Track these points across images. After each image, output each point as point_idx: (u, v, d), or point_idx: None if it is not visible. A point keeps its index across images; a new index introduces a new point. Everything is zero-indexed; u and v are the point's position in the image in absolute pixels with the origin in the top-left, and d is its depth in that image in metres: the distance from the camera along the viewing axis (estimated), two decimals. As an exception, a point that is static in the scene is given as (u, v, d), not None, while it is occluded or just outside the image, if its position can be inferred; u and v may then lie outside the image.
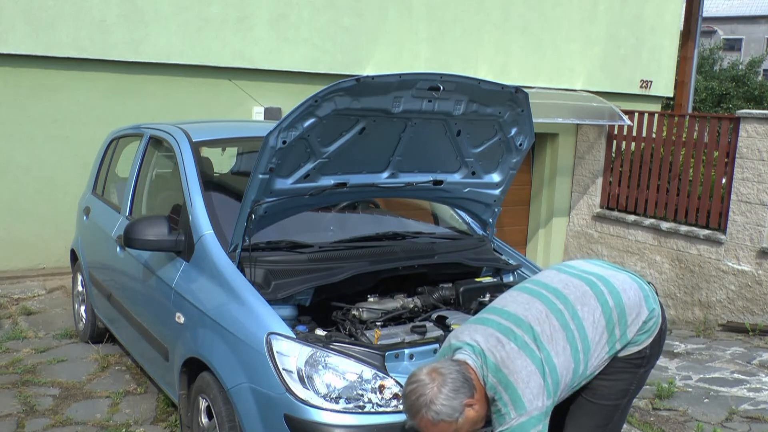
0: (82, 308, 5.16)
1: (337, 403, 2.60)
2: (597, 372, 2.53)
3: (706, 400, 4.46)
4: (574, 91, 9.15)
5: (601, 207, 8.81)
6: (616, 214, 8.44)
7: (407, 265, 3.34)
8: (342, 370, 2.65)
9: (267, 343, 2.70)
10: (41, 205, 6.40)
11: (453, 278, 3.48)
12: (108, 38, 6.39)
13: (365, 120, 2.92)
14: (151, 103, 6.60)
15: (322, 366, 2.65)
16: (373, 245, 3.45)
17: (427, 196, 3.73)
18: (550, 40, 9.01)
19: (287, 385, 2.62)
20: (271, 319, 2.78)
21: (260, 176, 2.88)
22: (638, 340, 2.58)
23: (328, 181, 3.15)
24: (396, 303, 3.24)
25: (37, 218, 6.39)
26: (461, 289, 3.40)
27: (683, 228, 7.48)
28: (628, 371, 2.60)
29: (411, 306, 3.27)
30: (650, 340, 2.59)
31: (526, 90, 3.16)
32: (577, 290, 2.56)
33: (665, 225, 7.66)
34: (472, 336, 2.44)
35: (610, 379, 2.59)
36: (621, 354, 2.57)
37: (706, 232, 7.25)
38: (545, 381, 2.33)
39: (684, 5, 10.30)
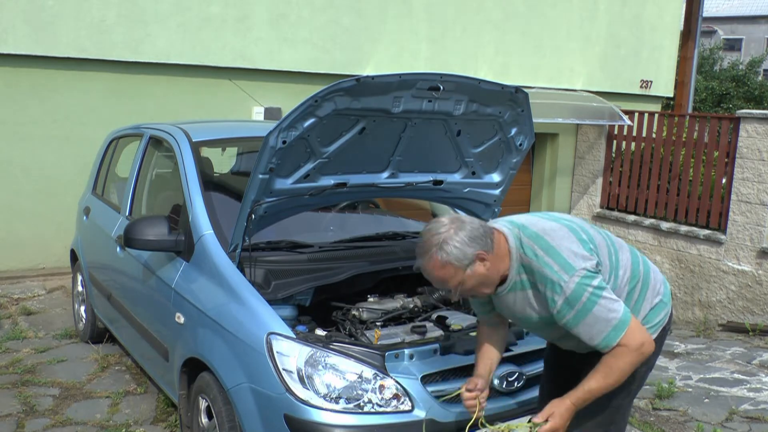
0: (82, 308, 5.16)
1: (337, 403, 2.60)
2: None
3: (707, 400, 4.46)
4: (574, 91, 9.15)
5: (601, 207, 8.81)
6: (616, 214, 8.44)
7: (407, 265, 3.34)
8: (342, 370, 2.65)
9: (267, 343, 2.70)
10: (41, 205, 6.40)
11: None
12: (108, 38, 6.39)
13: (365, 120, 2.92)
14: (150, 103, 6.60)
15: (322, 366, 2.65)
16: (373, 245, 3.45)
17: (427, 196, 3.73)
18: (550, 40, 9.00)
19: (287, 385, 2.62)
20: (271, 319, 2.78)
21: (260, 176, 2.88)
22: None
23: (328, 181, 3.15)
24: (396, 303, 3.24)
25: (37, 218, 6.39)
26: (461, 289, 3.40)
27: (683, 228, 7.48)
28: None
29: (411, 306, 3.27)
30: (655, 335, 2.54)
31: (526, 90, 3.16)
32: (616, 239, 2.53)
33: (665, 225, 7.66)
34: (509, 218, 2.45)
35: None
36: None
37: (706, 232, 7.25)
38: (590, 250, 2.27)
39: (684, 5, 10.30)
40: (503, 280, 2.36)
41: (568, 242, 2.26)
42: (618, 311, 2.21)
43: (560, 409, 2.30)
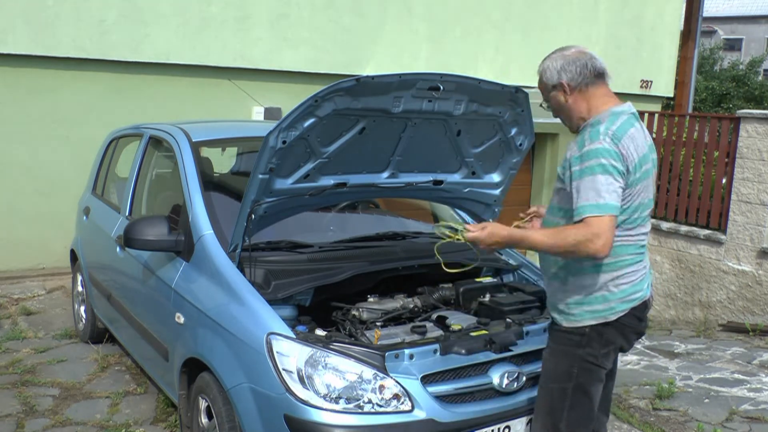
0: (82, 308, 5.16)
1: (337, 403, 2.60)
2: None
3: (707, 400, 4.46)
4: (575, 91, 9.14)
5: (602, 207, 8.78)
6: (616, 214, 8.42)
7: (407, 265, 3.33)
8: (342, 370, 2.65)
9: (267, 343, 2.70)
10: (41, 205, 6.40)
11: (453, 278, 3.47)
12: (108, 38, 6.39)
13: (365, 120, 2.92)
14: (150, 103, 6.60)
15: (322, 366, 2.64)
16: (373, 245, 3.45)
17: (427, 196, 3.73)
18: (550, 40, 8.99)
19: (287, 385, 2.62)
20: (271, 319, 2.78)
21: (260, 176, 2.88)
22: (581, 316, 2.53)
23: (328, 181, 3.15)
24: (396, 303, 3.23)
25: (37, 218, 6.39)
26: (461, 289, 3.40)
27: (683, 228, 7.48)
28: (567, 348, 2.56)
29: (411, 306, 3.27)
30: (594, 322, 2.51)
31: (526, 90, 3.16)
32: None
33: (665, 225, 7.66)
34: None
35: (552, 355, 2.62)
36: (564, 324, 2.57)
37: (707, 232, 7.25)
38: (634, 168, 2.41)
39: (684, 5, 10.30)
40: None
41: (630, 139, 2.41)
42: (608, 199, 2.32)
43: (496, 228, 2.53)
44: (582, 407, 2.59)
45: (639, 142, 2.47)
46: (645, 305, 2.59)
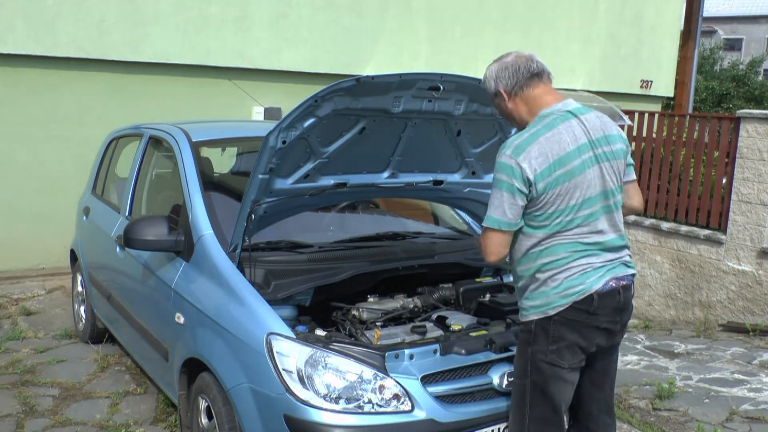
0: (82, 308, 5.15)
1: (337, 403, 2.60)
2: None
3: (707, 400, 4.46)
4: (575, 91, 9.14)
5: (602, 207, 8.78)
6: (616, 214, 8.41)
7: (407, 265, 3.33)
8: (342, 370, 2.65)
9: (267, 343, 2.70)
10: (41, 205, 6.40)
11: (453, 278, 3.47)
12: (107, 38, 6.39)
13: (365, 120, 2.92)
14: (150, 103, 6.60)
15: (322, 366, 2.64)
16: (373, 245, 3.45)
17: (427, 196, 3.73)
18: (550, 39, 9.01)
19: (287, 385, 2.61)
20: (270, 319, 2.77)
21: (260, 176, 2.88)
22: (527, 311, 2.57)
23: (328, 181, 3.15)
24: (396, 303, 3.23)
25: (37, 218, 6.39)
26: (461, 289, 3.40)
27: (683, 228, 7.47)
28: (522, 345, 2.61)
29: (411, 306, 3.26)
30: (536, 317, 2.53)
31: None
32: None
33: (665, 225, 7.65)
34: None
35: (516, 352, 2.66)
36: (520, 321, 2.63)
37: (707, 232, 7.24)
38: (544, 171, 2.46)
39: (684, 5, 10.30)
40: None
41: (538, 147, 2.46)
42: (496, 214, 2.48)
43: None
44: (541, 407, 2.57)
45: (562, 142, 2.47)
46: (591, 298, 2.49)
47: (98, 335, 4.98)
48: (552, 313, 2.51)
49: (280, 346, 2.68)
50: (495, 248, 2.53)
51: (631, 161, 2.74)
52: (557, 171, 2.44)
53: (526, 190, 2.45)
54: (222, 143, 4.38)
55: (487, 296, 3.37)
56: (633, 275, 2.64)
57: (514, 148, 2.46)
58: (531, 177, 2.42)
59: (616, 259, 2.59)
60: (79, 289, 5.19)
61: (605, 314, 2.54)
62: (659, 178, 7.91)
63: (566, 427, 2.72)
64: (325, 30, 7.44)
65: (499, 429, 2.80)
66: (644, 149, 8.13)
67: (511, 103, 2.62)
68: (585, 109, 2.62)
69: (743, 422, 4.14)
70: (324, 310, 3.16)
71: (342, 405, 2.59)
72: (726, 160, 7.15)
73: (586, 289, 2.50)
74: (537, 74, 2.59)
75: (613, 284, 2.54)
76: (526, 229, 2.53)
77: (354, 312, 3.10)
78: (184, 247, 3.36)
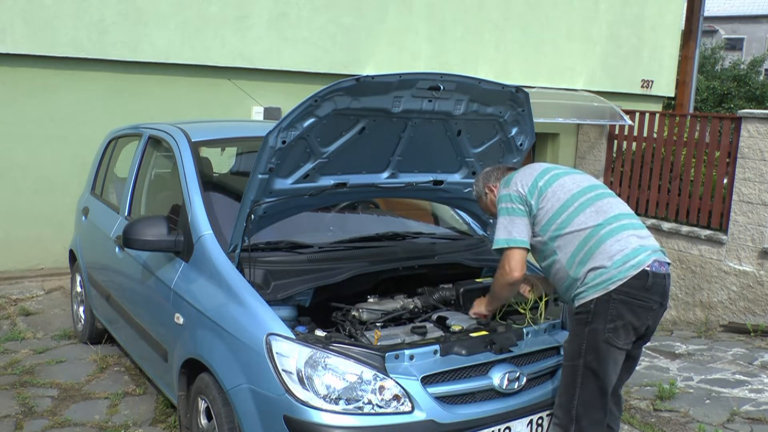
0: (81, 309, 5.14)
1: (336, 404, 2.59)
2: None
3: (708, 401, 4.45)
4: (575, 90, 9.13)
5: (602, 207, 8.76)
6: (616, 214, 8.40)
7: (407, 265, 3.32)
8: (342, 371, 2.64)
9: (266, 344, 2.69)
10: (40, 205, 6.39)
11: (453, 279, 3.46)
12: (107, 37, 6.38)
13: (365, 120, 2.91)
14: (150, 103, 6.59)
15: (322, 367, 2.63)
16: (373, 246, 3.44)
17: (427, 196, 3.72)
18: (550, 39, 8.99)
19: (287, 386, 2.60)
20: (270, 319, 2.76)
21: (260, 176, 2.87)
22: (586, 293, 2.73)
23: (327, 181, 3.14)
24: (396, 304, 3.22)
25: (36, 218, 6.38)
26: (461, 289, 3.38)
27: (684, 228, 7.47)
28: (577, 327, 2.78)
29: (411, 307, 3.25)
30: (596, 295, 2.71)
31: (526, 90, 3.15)
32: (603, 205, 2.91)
33: (666, 225, 7.64)
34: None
35: (568, 339, 2.85)
36: (575, 306, 2.79)
37: (708, 232, 7.23)
38: (531, 189, 2.93)
39: (685, 5, 10.27)
40: None
41: (522, 175, 2.97)
42: (508, 234, 2.88)
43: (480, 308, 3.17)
44: (591, 389, 2.73)
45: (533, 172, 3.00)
46: (646, 273, 2.70)
47: (97, 336, 4.97)
48: (612, 287, 2.69)
49: (280, 346, 2.67)
50: (512, 264, 2.90)
51: None
52: (540, 181, 2.92)
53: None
54: (221, 143, 4.37)
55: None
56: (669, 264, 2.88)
57: (511, 183, 2.96)
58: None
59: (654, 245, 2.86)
60: (78, 289, 5.18)
61: (657, 293, 2.75)
62: (660, 179, 7.90)
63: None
64: (325, 29, 7.43)
65: (499, 430, 2.79)
66: (645, 149, 8.12)
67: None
68: None
69: (744, 423, 4.13)
70: (324, 310, 3.15)
71: (342, 406, 2.58)
72: (727, 160, 7.15)
73: (639, 262, 2.70)
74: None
75: (663, 269, 2.78)
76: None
77: (354, 312, 3.09)
78: (183, 247, 3.35)
